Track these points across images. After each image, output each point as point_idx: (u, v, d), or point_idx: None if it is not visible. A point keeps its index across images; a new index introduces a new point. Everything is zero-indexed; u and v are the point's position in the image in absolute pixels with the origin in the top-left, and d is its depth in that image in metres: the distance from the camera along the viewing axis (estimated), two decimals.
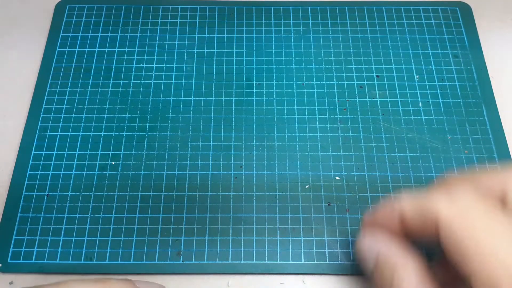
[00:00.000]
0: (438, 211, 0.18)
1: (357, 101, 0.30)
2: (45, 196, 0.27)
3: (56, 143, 0.29)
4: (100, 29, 0.33)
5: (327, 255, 0.25)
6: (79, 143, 0.29)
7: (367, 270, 0.22)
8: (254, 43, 0.32)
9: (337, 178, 0.27)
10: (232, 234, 0.26)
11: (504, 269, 0.17)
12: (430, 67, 0.31)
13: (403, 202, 0.20)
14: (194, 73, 0.31)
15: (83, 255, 0.25)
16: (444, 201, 0.19)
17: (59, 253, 0.25)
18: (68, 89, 0.31)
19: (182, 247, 0.26)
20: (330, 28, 0.33)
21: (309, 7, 0.34)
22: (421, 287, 0.19)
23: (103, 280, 0.21)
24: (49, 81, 0.31)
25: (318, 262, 0.25)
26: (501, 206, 0.19)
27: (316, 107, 0.30)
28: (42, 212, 0.26)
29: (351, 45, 0.32)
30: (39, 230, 0.26)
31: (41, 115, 0.30)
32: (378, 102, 0.30)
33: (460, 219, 0.18)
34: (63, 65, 0.31)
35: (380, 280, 0.21)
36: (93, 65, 0.31)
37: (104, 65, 0.31)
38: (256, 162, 0.28)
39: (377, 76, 0.31)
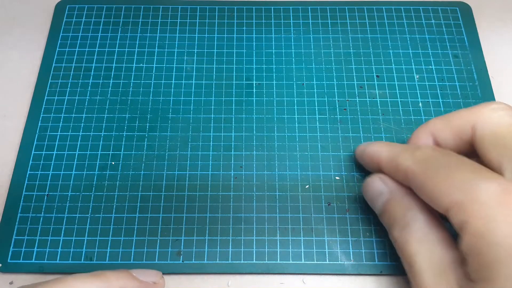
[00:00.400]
0: (407, 167, 0.21)
1: (357, 101, 0.30)
2: (45, 196, 0.27)
3: (56, 143, 0.29)
4: (100, 29, 0.33)
5: (327, 255, 0.25)
6: (79, 143, 0.29)
7: (376, 208, 0.24)
8: (254, 43, 0.32)
9: (337, 178, 0.27)
10: (232, 234, 0.26)
11: (459, 192, 0.19)
12: (430, 67, 0.31)
13: (380, 150, 0.24)
14: (194, 73, 0.31)
15: (83, 255, 0.25)
16: (407, 154, 0.22)
17: (59, 253, 0.25)
18: (68, 89, 0.31)
19: (182, 247, 0.26)
20: (330, 28, 0.33)
21: (309, 7, 0.34)
22: (432, 227, 0.21)
23: (100, 273, 0.22)
24: (49, 81, 0.31)
25: (318, 262, 0.25)
26: (467, 147, 0.22)
27: (316, 107, 0.30)
28: (42, 212, 0.26)
29: (351, 45, 0.32)
30: (39, 230, 0.26)
31: (41, 115, 0.30)
32: (378, 102, 0.30)
33: (419, 166, 0.21)
34: (63, 65, 0.31)
35: (391, 219, 0.22)
36: (93, 65, 0.31)
37: (104, 65, 0.31)
38: (256, 162, 0.28)
39: (377, 76, 0.31)
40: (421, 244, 0.20)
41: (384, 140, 0.29)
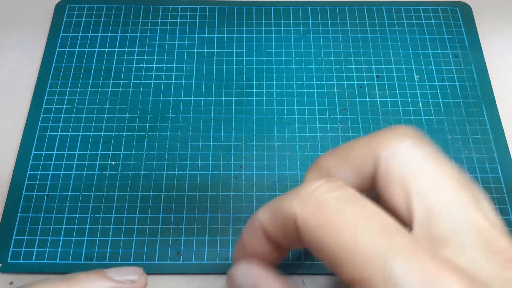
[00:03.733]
0: (294, 213, 0.16)
1: (357, 101, 0.30)
2: (45, 196, 0.27)
3: (56, 143, 0.29)
4: (100, 29, 0.33)
5: None
6: (79, 143, 0.29)
7: None
8: (254, 43, 0.32)
9: None
10: (232, 234, 0.26)
11: (368, 260, 0.14)
12: (430, 67, 0.31)
13: (260, 214, 0.18)
14: (194, 73, 0.31)
15: (83, 255, 0.25)
16: (296, 200, 0.16)
17: (59, 253, 0.25)
18: (68, 89, 0.31)
19: (182, 247, 0.26)
20: (330, 28, 0.33)
21: (309, 7, 0.34)
22: None
23: (70, 277, 0.21)
24: (49, 81, 0.31)
25: (318, 262, 0.25)
26: (368, 183, 0.17)
27: (316, 107, 0.30)
28: (42, 212, 0.26)
29: (351, 45, 0.32)
30: (39, 230, 0.26)
31: (41, 115, 0.30)
32: (378, 102, 0.30)
33: (314, 216, 0.15)
34: (63, 65, 0.31)
35: None
36: (93, 65, 0.31)
37: (104, 65, 0.31)
38: (256, 162, 0.28)
39: (377, 76, 0.31)
40: None
41: None
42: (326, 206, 0.15)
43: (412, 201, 0.16)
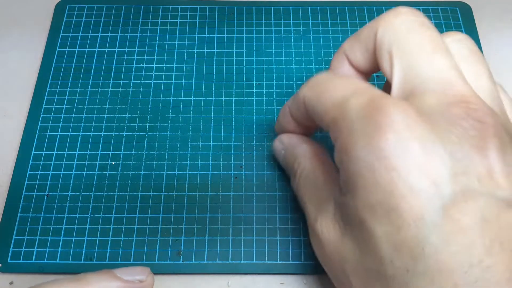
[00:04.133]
0: (303, 95, 0.21)
1: None
2: (45, 196, 0.27)
3: (56, 143, 0.29)
4: (100, 29, 0.33)
5: None
6: (79, 143, 0.29)
7: (282, 165, 0.26)
8: (254, 43, 0.32)
9: None
10: (232, 234, 0.26)
11: (332, 101, 0.19)
12: None
13: (287, 102, 0.24)
14: (194, 73, 0.31)
15: (83, 255, 0.25)
16: (304, 87, 0.21)
17: (59, 253, 0.25)
18: (68, 89, 0.31)
19: (182, 247, 0.26)
20: (330, 28, 0.33)
21: (309, 7, 0.34)
22: (315, 166, 0.23)
23: (80, 277, 0.21)
24: (49, 81, 0.31)
25: (318, 262, 0.25)
26: (374, 60, 0.21)
27: None
28: (42, 212, 0.26)
29: None
30: (39, 230, 0.26)
31: (41, 115, 0.30)
32: None
33: (311, 92, 0.21)
34: (63, 65, 0.31)
35: (288, 171, 0.25)
36: (93, 65, 0.31)
37: (104, 65, 0.31)
38: (256, 162, 0.28)
39: (377, 76, 0.31)
40: (306, 185, 0.23)
41: None
42: (319, 84, 0.21)
43: (393, 65, 0.19)
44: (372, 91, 0.19)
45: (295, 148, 0.24)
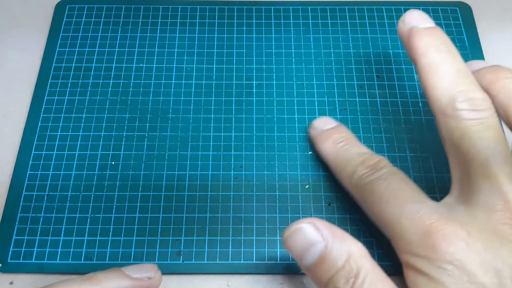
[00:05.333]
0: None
1: (357, 101, 0.30)
2: (45, 196, 0.27)
3: (56, 143, 0.29)
4: (100, 29, 0.33)
5: None
6: (79, 143, 0.29)
7: (306, 260, 0.20)
8: (254, 43, 0.32)
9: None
10: (232, 234, 0.26)
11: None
12: None
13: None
14: (194, 73, 0.31)
15: (83, 255, 0.25)
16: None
17: (59, 253, 0.25)
18: (68, 89, 0.31)
19: (182, 247, 0.26)
20: (330, 28, 0.33)
21: (309, 7, 0.34)
22: (380, 273, 0.20)
23: (90, 276, 0.21)
24: (49, 81, 0.31)
25: None
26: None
27: (316, 107, 0.30)
28: (42, 212, 0.26)
29: (351, 45, 0.32)
30: (39, 230, 0.26)
31: (41, 115, 0.30)
32: (378, 102, 0.30)
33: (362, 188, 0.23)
34: (63, 65, 0.31)
35: (332, 271, 0.19)
36: (93, 65, 0.31)
37: (104, 65, 0.31)
38: (256, 162, 0.28)
39: (377, 76, 0.31)
40: None
41: (384, 140, 0.29)
42: None
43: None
44: (425, 214, 0.21)
45: (344, 242, 0.20)
